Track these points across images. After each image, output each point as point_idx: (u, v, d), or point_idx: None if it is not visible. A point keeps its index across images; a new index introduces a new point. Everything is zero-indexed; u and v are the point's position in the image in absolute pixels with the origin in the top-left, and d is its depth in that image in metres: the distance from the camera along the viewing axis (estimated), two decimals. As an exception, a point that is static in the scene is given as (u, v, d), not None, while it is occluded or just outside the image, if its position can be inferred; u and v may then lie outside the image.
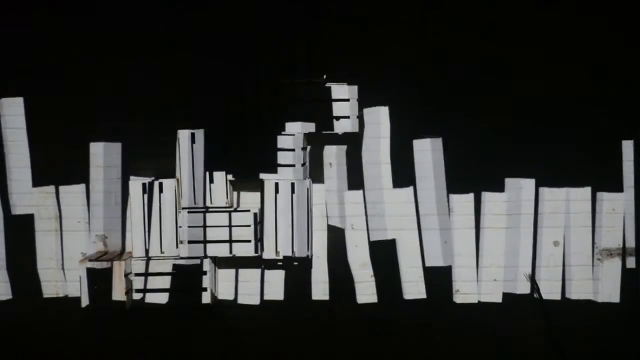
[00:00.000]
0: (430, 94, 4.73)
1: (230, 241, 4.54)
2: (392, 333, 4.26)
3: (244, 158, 4.55)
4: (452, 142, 4.74)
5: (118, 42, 4.73)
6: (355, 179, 4.80)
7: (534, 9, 4.68)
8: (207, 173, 4.56)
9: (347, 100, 4.57)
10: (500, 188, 4.75)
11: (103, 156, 4.78)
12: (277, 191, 4.54)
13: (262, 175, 4.55)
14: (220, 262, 4.77)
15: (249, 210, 4.55)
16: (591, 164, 4.71)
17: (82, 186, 4.82)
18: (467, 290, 4.79)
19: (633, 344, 4.06)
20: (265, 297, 4.84)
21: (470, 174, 4.74)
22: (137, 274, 4.59)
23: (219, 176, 4.57)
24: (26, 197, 4.82)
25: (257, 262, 4.73)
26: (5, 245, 4.84)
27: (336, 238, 4.82)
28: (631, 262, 4.74)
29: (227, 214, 4.53)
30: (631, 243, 4.74)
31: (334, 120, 4.58)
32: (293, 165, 4.53)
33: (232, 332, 4.38)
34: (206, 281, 4.60)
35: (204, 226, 4.53)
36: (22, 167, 4.81)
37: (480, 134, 4.72)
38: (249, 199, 4.78)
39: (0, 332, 4.34)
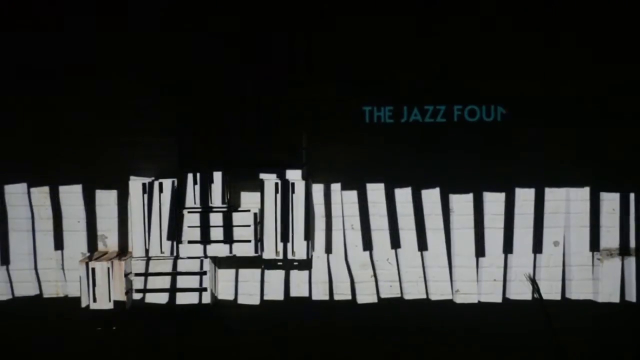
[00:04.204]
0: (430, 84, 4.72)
1: (230, 241, 4.54)
2: (392, 333, 4.27)
3: (243, 157, 4.56)
4: (452, 141, 4.74)
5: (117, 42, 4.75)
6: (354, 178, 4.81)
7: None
8: (207, 173, 4.56)
9: None
10: (500, 188, 4.75)
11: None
12: (277, 191, 4.54)
13: (262, 175, 4.56)
14: (220, 262, 4.78)
15: (249, 210, 4.55)
16: (591, 164, 4.71)
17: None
18: (467, 290, 4.79)
19: (633, 344, 4.07)
20: (265, 297, 4.84)
21: (470, 174, 4.74)
22: (137, 274, 4.59)
23: (219, 176, 4.57)
24: (26, 197, 4.82)
25: (257, 262, 4.74)
26: (5, 245, 4.84)
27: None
28: (631, 262, 4.74)
29: (227, 214, 4.53)
30: (631, 243, 4.75)
31: None
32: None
33: (232, 332, 4.39)
34: (206, 281, 4.60)
35: (204, 226, 4.53)
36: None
37: (481, 133, 4.72)
38: (249, 199, 4.78)
39: (0, 332, 4.35)
